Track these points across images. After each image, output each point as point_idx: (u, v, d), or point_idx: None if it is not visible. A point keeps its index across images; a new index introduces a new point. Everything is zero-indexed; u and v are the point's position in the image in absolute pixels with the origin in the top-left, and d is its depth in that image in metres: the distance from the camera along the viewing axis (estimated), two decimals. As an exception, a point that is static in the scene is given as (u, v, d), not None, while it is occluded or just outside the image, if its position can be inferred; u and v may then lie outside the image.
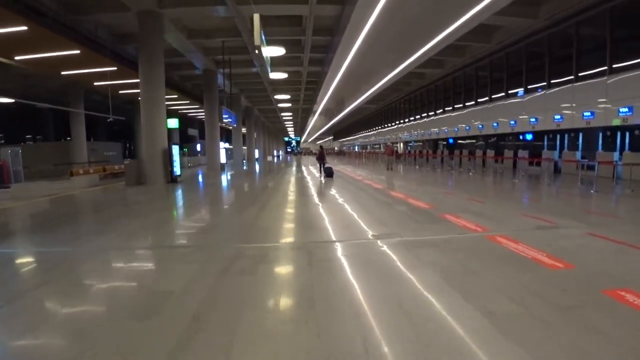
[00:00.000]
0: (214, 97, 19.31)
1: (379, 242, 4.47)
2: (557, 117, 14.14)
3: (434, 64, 20.22)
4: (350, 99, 32.65)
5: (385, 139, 38.29)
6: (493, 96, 18.72)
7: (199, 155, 34.38)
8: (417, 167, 21.00)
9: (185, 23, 13.21)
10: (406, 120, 31.80)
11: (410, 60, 19.04)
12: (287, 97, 26.60)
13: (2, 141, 29.37)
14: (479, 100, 20.03)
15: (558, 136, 15.38)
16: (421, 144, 30.67)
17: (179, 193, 10.26)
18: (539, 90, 15.29)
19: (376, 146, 43.99)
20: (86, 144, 22.53)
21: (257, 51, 10.76)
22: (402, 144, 35.61)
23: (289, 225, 5.70)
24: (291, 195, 9.27)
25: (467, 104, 21.31)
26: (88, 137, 29.65)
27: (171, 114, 29.77)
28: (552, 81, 14.63)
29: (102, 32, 13.06)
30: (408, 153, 33.31)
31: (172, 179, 12.33)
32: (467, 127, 20.97)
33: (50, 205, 8.12)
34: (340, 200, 8.12)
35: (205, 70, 18.89)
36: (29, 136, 31.21)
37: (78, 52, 12.20)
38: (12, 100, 17.91)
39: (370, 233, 4.97)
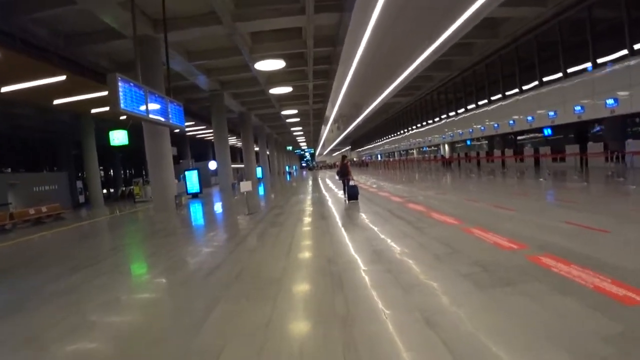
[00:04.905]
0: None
1: None
2: None
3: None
4: (374, 93, 24.33)
5: (423, 141, 30.13)
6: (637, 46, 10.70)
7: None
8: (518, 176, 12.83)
9: None
10: (459, 110, 23.09)
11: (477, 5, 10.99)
12: (289, 90, 18.92)
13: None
14: (598, 60, 12.06)
15: None
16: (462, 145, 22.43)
17: None
18: None
19: (410, 152, 35.58)
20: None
21: None
22: (447, 146, 27.40)
23: None
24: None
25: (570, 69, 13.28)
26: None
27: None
28: None
29: None
30: (456, 157, 25.22)
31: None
32: (580, 108, 12.91)
33: None
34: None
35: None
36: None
37: None
38: None
39: None
